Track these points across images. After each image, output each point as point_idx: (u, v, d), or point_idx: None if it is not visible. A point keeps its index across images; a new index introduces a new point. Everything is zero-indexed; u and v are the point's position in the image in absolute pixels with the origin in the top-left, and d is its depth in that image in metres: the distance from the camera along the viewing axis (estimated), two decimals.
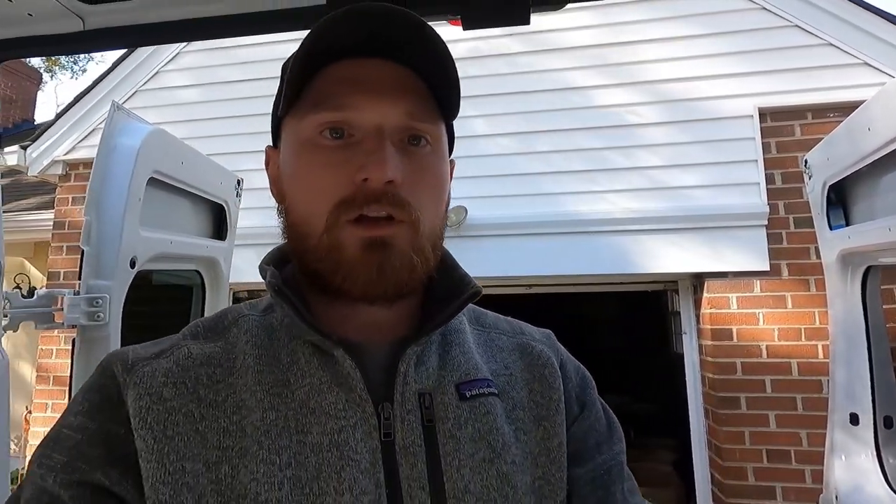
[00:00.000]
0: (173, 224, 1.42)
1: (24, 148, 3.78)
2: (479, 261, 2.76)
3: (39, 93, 10.33)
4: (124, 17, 0.70)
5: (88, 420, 0.44)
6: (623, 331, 6.56)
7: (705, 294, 2.69)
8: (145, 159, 1.22)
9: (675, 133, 2.83)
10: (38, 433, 3.66)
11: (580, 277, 2.93)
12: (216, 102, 3.51)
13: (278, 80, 0.52)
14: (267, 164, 0.55)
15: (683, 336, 2.85)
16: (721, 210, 2.66)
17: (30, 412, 4.07)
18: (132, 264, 1.20)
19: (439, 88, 0.49)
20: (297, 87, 0.47)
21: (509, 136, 2.93)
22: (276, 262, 0.53)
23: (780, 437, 2.49)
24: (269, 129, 0.55)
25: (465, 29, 0.68)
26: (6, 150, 4.06)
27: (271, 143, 0.55)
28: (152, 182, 1.28)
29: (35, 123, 9.42)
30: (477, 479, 0.44)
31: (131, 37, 0.72)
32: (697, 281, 2.78)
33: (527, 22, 0.63)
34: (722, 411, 2.56)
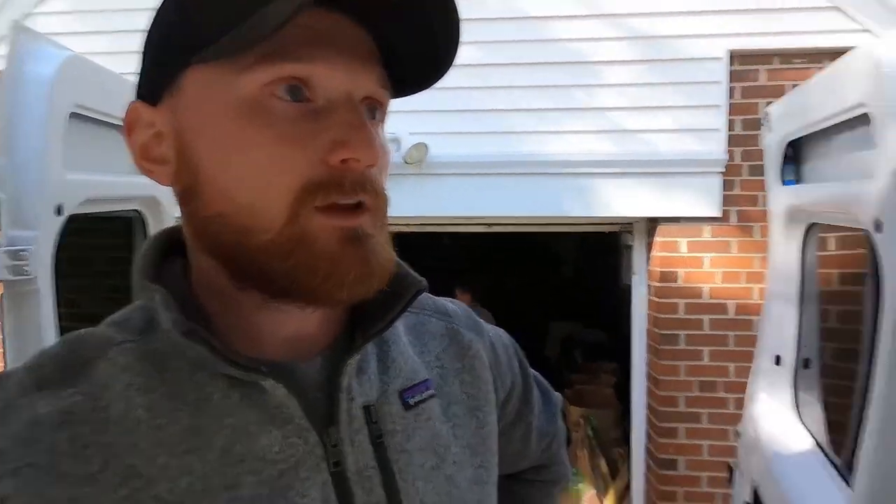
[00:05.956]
0: (105, 163, 1.29)
1: None
2: (440, 199, 2.71)
3: None
4: None
5: None
6: (578, 264, 6.84)
7: (657, 238, 2.78)
8: (63, 91, 1.07)
9: (641, 73, 2.75)
10: None
11: (539, 218, 2.94)
12: (139, 11, 3.06)
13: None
14: (132, 127, 0.41)
15: (633, 277, 2.97)
16: (680, 156, 2.67)
17: None
18: (59, 211, 1.09)
19: (411, 58, 0.41)
20: (241, 17, 0.32)
21: (468, 67, 2.71)
22: (156, 269, 0.41)
23: (710, 369, 2.71)
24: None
25: None
26: None
27: (138, 97, 0.41)
28: (75, 117, 1.13)
29: None
30: (429, 488, 0.44)
31: None
32: (652, 225, 2.85)
33: None
34: (662, 347, 2.76)
